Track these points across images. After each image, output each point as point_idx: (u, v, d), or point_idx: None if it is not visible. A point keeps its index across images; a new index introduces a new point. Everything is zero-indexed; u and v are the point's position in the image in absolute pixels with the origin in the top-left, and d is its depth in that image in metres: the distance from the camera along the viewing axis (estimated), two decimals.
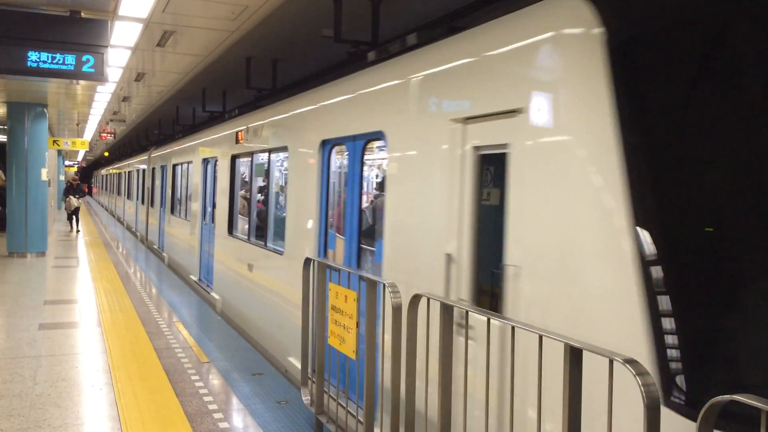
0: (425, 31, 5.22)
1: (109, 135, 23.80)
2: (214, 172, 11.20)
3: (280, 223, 7.81)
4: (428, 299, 3.56)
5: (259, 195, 9.43)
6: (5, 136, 15.09)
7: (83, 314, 8.60)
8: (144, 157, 21.45)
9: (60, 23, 7.05)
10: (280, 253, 7.25)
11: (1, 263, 13.38)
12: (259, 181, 9.39)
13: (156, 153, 18.88)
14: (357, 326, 4.22)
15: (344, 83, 5.97)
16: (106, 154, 42.15)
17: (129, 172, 26.40)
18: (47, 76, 7.06)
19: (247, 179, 9.94)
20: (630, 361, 2.21)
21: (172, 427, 4.80)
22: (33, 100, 14.34)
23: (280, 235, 7.74)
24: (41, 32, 6.95)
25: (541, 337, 2.67)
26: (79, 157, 47.81)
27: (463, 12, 5.79)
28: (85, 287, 10.77)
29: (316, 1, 6.79)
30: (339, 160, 6.31)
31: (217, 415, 5.07)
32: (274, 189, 8.67)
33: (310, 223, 6.33)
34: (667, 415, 2.37)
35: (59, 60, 7.00)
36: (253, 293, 8.27)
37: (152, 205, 18.91)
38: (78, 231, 21.25)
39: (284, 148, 7.41)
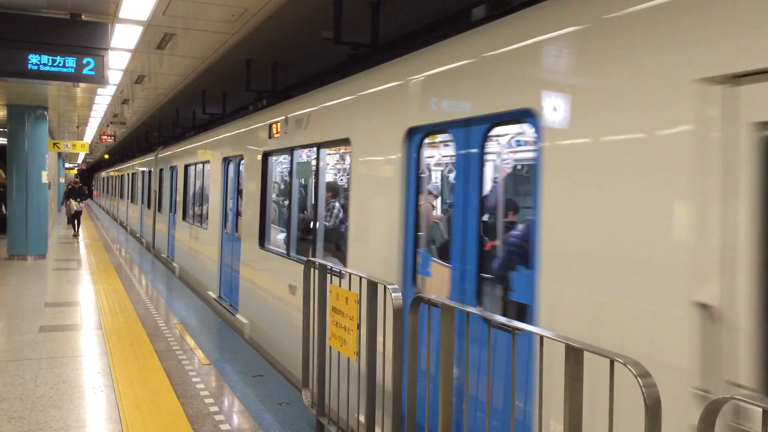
0: None
1: (109, 137, 23.83)
2: (238, 173, 9.68)
3: (336, 236, 6.51)
4: (429, 300, 3.56)
5: (302, 200, 7.91)
6: (5, 139, 15.10)
7: (84, 317, 8.60)
8: (150, 157, 19.86)
9: (60, 26, 7.07)
10: (337, 274, 5.04)
11: (1, 266, 13.38)
12: (303, 183, 7.86)
13: (164, 153, 17.19)
14: (358, 328, 4.23)
15: (453, 46, 4.34)
16: (107, 156, 42.20)
17: (133, 173, 24.71)
18: (48, 78, 7.07)
19: (283, 181, 8.47)
20: (631, 362, 2.22)
21: (174, 428, 4.81)
22: (33, 103, 14.35)
23: (336, 252, 6.38)
24: (42, 35, 6.97)
25: (541, 338, 2.67)
26: (80, 160, 47.84)
27: (463, 13, 5.78)
28: (85, 290, 10.77)
29: (316, 4, 6.80)
30: (435, 152, 4.99)
31: (218, 417, 5.07)
32: (324, 193, 6.87)
33: (389, 240, 4.73)
34: None
35: (60, 63, 7.01)
36: (300, 323, 5.95)
37: (159, 209, 17.21)
38: (77, 235, 20.47)
39: (343, 141, 5.79)
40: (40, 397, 5.41)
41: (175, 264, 14.27)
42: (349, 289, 4.40)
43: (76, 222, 20.97)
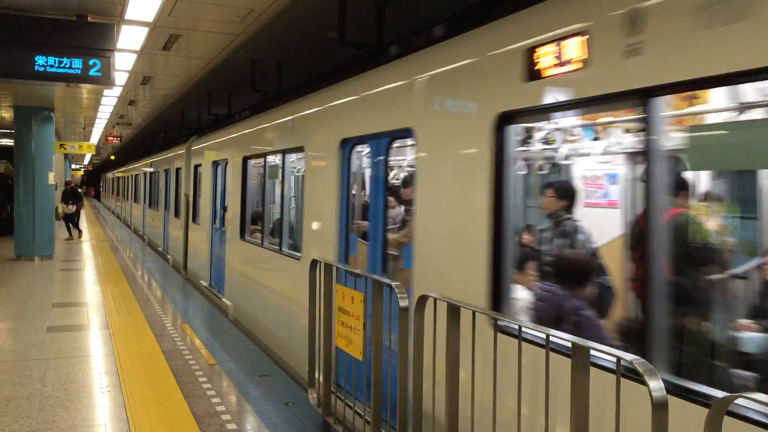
0: None
1: (115, 138, 23.94)
2: (385, 167, 5.27)
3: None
4: (435, 300, 3.56)
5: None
6: (12, 140, 15.18)
7: (91, 317, 8.64)
8: (178, 151, 15.42)
9: (67, 27, 7.12)
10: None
11: (9, 267, 13.45)
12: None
13: (202, 144, 12.82)
14: (364, 327, 4.23)
15: None
16: (113, 157, 42.37)
17: (151, 173, 20.33)
18: (54, 80, 7.12)
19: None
20: (638, 361, 2.21)
21: (180, 428, 4.82)
22: (40, 104, 14.42)
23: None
24: (48, 36, 7.02)
25: (547, 336, 2.68)
26: (86, 161, 48.07)
27: (468, 12, 5.78)
28: (92, 291, 10.80)
29: (321, 4, 6.81)
30: None
31: (224, 417, 5.08)
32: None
33: None
34: None
35: (66, 64, 7.06)
36: None
37: (195, 219, 13.02)
38: (71, 238, 19.17)
39: None
40: (47, 396, 5.44)
41: (227, 301, 9.91)
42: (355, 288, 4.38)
43: (71, 225, 19.61)
